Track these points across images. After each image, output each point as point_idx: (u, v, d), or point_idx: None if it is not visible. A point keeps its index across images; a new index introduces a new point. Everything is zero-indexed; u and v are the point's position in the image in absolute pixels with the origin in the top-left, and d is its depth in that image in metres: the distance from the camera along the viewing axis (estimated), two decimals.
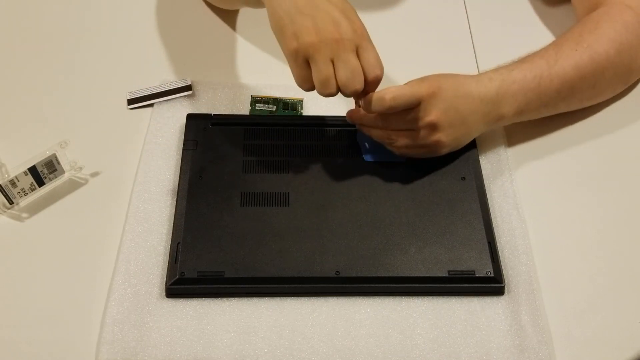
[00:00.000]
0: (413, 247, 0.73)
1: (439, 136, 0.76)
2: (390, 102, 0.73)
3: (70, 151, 0.79)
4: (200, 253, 0.72)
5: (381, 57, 0.73)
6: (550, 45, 0.84)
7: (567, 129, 0.86)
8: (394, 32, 0.97)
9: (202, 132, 0.83)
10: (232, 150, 0.81)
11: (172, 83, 0.90)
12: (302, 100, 0.88)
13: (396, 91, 0.73)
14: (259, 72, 0.92)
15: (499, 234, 0.76)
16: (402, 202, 0.77)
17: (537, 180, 0.82)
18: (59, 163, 0.78)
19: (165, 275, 0.72)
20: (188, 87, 0.89)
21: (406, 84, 0.76)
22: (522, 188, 0.81)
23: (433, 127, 0.76)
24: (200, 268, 0.71)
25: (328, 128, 0.84)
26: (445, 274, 0.72)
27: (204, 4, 1.01)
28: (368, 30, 0.73)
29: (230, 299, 0.71)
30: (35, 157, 0.77)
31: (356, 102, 0.78)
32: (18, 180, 0.76)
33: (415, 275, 0.72)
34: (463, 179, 0.79)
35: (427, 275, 0.72)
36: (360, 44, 0.72)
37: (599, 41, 0.83)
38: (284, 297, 0.72)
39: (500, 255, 0.74)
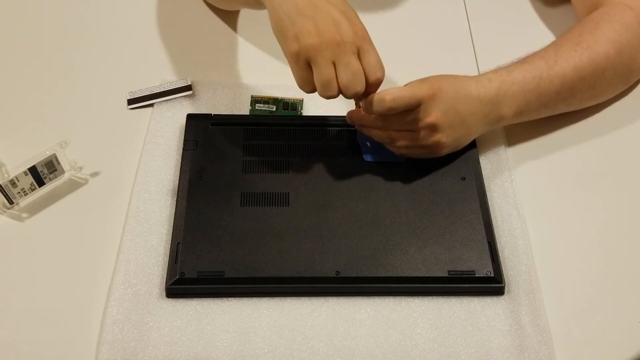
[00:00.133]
0: (413, 247, 0.73)
1: (439, 137, 0.77)
2: (390, 103, 0.73)
3: (70, 151, 0.79)
4: (200, 253, 0.72)
5: (381, 58, 0.73)
6: (549, 45, 0.84)
7: (567, 129, 0.86)
8: (394, 33, 0.97)
9: (202, 132, 0.83)
10: (232, 150, 0.81)
11: (172, 83, 0.90)
12: (302, 101, 0.88)
13: (396, 92, 0.73)
14: (259, 72, 0.92)
15: (499, 234, 0.76)
16: (402, 202, 0.77)
17: (537, 180, 0.82)
18: (59, 163, 0.78)
19: (165, 275, 0.72)
20: (188, 87, 0.89)
21: (406, 85, 0.76)
22: (522, 188, 0.81)
23: (433, 128, 0.76)
24: (200, 268, 0.71)
25: (328, 128, 0.84)
26: (445, 274, 0.72)
27: (204, 4, 1.00)
28: (368, 30, 0.73)
29: (230, 299, 0.71)
30: (35, 157, 0.77)
31: (356, 103, 0.78)
32: (18, 180, 0.76)
33: (415, 275, 0.72)
34: (463, 179, 0.79)
35: (427, 275, 0.72)
36: (361, 46, 0.72)
37: (598, 42, 0.83)
38: (284, 297, 0.71)
39: (500, 255, 0.74)
